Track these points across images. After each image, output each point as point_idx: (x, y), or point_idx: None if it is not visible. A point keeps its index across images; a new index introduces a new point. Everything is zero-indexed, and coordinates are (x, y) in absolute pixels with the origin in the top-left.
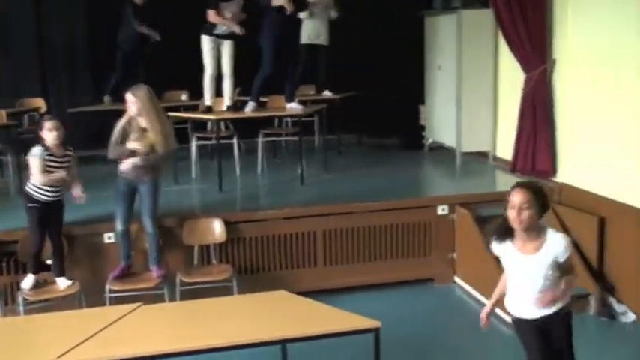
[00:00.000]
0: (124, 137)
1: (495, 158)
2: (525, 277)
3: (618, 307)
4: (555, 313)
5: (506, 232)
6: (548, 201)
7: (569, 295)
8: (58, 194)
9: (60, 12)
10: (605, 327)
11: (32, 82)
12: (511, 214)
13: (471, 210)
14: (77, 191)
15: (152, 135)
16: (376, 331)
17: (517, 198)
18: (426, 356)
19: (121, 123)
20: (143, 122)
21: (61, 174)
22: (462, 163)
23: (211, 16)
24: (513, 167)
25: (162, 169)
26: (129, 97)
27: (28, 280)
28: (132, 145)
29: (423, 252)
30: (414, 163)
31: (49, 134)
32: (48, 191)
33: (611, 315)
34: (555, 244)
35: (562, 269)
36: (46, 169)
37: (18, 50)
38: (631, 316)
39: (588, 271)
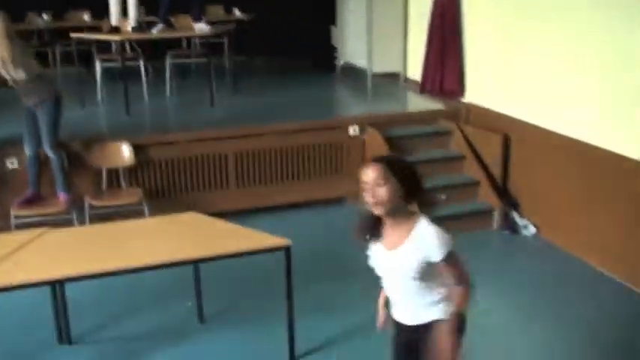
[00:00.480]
0: None
1: (406, 79)
2: (393, 278)
3: (520, 221)
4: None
5: (372, 227)
6: (416, 176)
7: (456, 309)
8: None
9: None
10: (508, 240)
11: None
12: (367, 197)
13: (380, 130)
14: None
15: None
16: (287, 248)
17: (368, 175)
18: (337, 272)
19: None
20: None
21: None
22: (373, 84)
23: None
24: (422, 88)
25: (47, 93)
26: None
27: None
28: None
29: (334, 172)
30: (326, 84)
31: None
32: None
33: (514, 229)
34: (425, 238)
35: (445, 274)
36: None
37: None
38: (532, 230)
39: (493, 188)
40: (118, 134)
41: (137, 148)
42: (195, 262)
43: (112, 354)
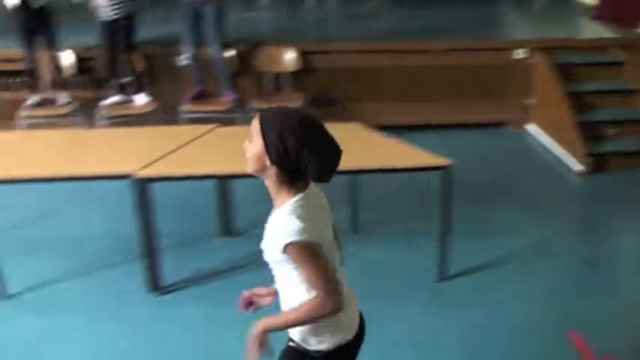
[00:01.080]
0: None
1: (577, 4)
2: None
3: None
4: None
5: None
6: (298, 152)
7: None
8: (116, 11)
9: None
10: None
11: None
12: None
13: (549, 55)
14: None
15: None
16: (447, 168)
17: (253, 123)
18: (493, 198)
19: None
20: None
21: None
22: (542, 6)
23: None
24: (597, 14)
25: None
26: None
27: (110, 97)
28: None
29: (495, 96)
30: (492, 3)
31: None
32: (107, 8)
33: None
34: (275, 222)
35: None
36: None
37: None
38: None
39: None
40: (282, 39)
41: (300, 54)
42: (355, 173)
43: None
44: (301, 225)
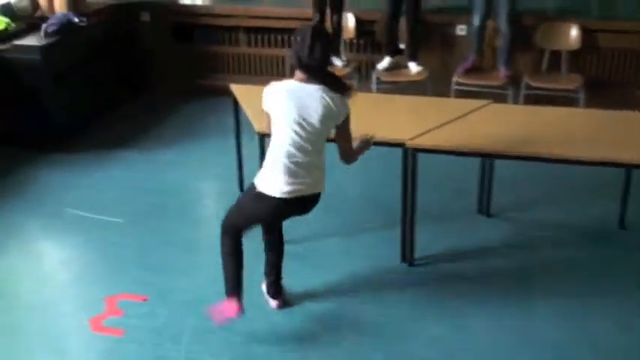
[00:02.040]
0: None
1: None
2: None
3: None
4: None
5: None
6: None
7: None
8: None
9: None
10: None
11: None
12: None
13: None
14: None
15: None
16: None
17: None
18: None
19: None
20: None
21: None
22: None
23: None
24: None
25: None
26: None
27: (383, 62)
28: None
29: None
30: None
31: None
32: None
33: None
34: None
35: None
36: None
37: None
38: None
39: None
40: (567, 15)
41: (584, 32)
42: (629, 167)
43: (526, 232)
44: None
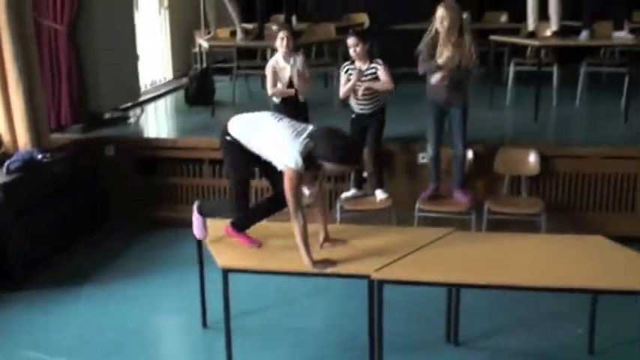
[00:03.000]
0: (432, 53)
1: None
2: None
3: None
4: None
5: None
6: None
7: None
8: (369, 107)
9: None
10: None
11: None
12: None
13: None
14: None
15: (459, 50)
16: None
17: None
18: None
19: (426, 39)
20: (452, 37)
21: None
22: None
23: None
24: None
25: (468, 92)
26: (439, 11)
27: (349, 192)
28: (440, 60)
29: None
30: None
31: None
32: (359, 103)
33: None
34: None
35: None
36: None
37: None
38: None
39: None
40: (524, 141)
41: (541, 158)
42: (595, 293)
43: None
44: None
